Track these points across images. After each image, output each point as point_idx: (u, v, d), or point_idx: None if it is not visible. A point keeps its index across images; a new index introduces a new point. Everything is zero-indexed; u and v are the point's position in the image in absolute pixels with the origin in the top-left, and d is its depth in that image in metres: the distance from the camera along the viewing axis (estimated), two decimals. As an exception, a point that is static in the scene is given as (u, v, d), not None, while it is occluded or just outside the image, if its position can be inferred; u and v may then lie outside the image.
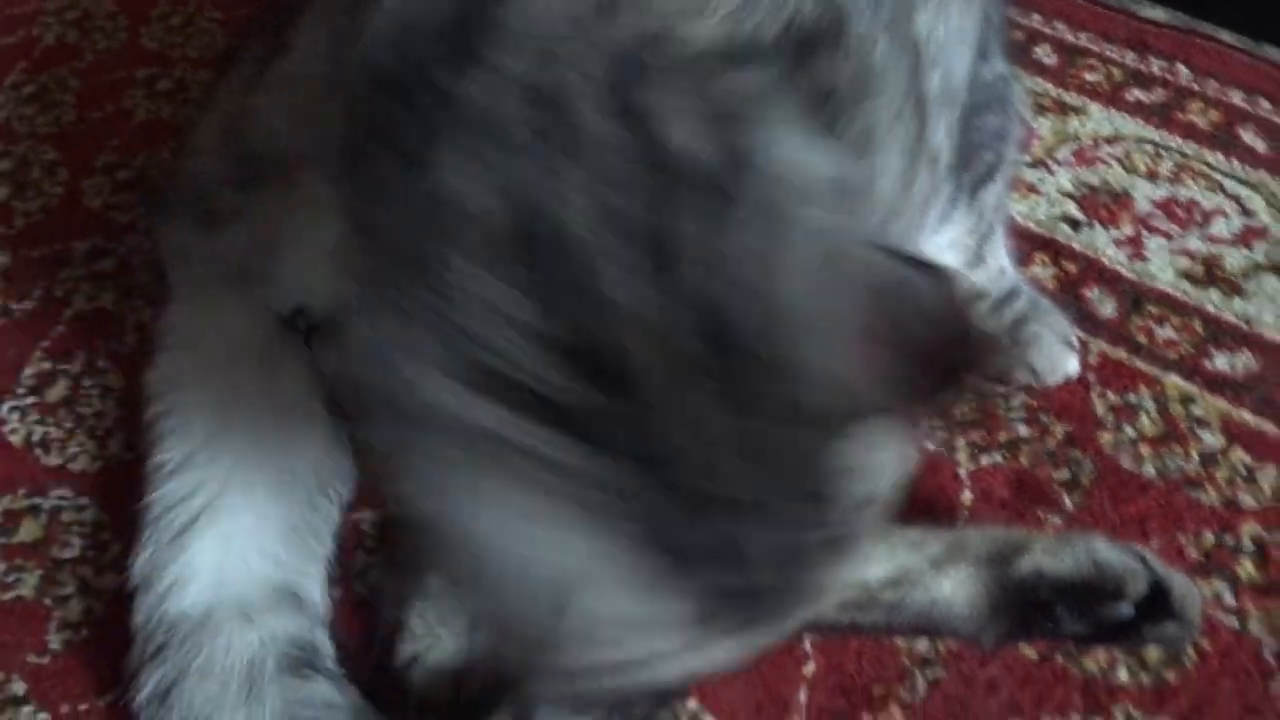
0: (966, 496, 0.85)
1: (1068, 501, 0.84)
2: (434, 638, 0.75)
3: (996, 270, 0.92)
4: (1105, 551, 0.74)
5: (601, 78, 0.47)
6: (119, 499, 0.84)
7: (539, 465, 0.44)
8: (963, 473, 0.86)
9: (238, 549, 0.77)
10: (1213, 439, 0.88)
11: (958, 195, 0.84)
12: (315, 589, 0.78)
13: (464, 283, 0.45)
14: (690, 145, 0.47)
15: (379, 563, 0.83)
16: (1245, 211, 1.06)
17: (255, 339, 0.83)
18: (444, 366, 0.44)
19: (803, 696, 0.74)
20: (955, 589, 0.75)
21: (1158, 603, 0.73)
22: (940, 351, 0.45)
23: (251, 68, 0.75)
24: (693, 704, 0.73)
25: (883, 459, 0.49)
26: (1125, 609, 0.73)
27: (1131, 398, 0.91)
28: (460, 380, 0.44)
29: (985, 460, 0.87)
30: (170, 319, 0.84)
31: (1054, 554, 0.75)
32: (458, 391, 0.44)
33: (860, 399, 0.45)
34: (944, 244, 0.90)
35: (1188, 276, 1.00)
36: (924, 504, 0.83)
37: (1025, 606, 0.74)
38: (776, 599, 0.49)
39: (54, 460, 0.90)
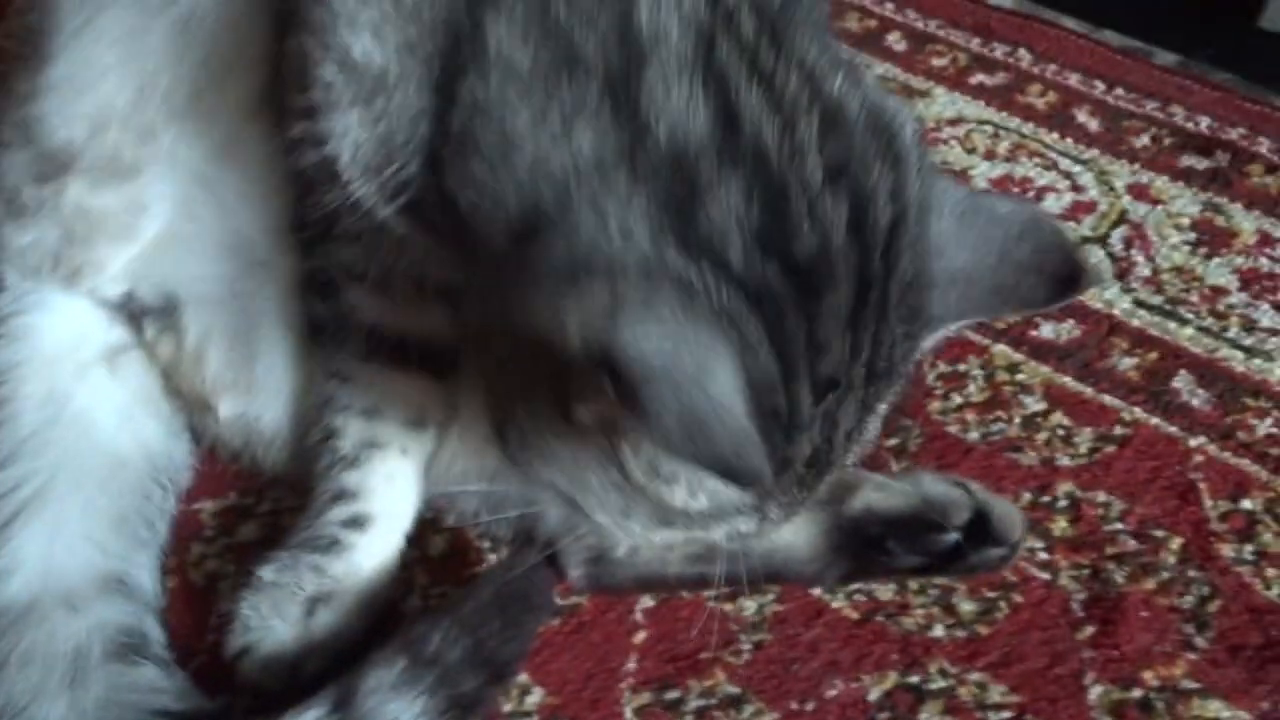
0: (799, 466, 0.87)
1: (895, 466, 0.87)
2: (267, 629, 0.75)
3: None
4: (931, 485, 0.78)
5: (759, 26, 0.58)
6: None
7: (718, 312, 0.52)
8: (795, 443, 0.88)
9: (64, 538, 0.76)
10: (1035, 403, 0.91)
11: None
12: (145, 577, 0.78)
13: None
14: (846, 97, 0.58)
15: (215, 552, 0.83)
16: (1076, 187, 1.10)
17: (87, 330, 0.83)
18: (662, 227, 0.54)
19: (632, 664, 0.76)
20: (795, 533, 0.77)
21: (981, 529, 0.76)
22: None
23: (27, 74, 0.76)
24: (522, 677, 0.75)
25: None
26: (951, 537, 0.76)
27: (961, 367, 0.94)
28: (671, 239, 0.53)
29: (817, 430, 0.89)
30: (1, 308, 0.83)
31: (883, 490, 0.78)
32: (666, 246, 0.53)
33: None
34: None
35: (1019, 250, 1.04)
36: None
37: (861, 544, 0.78)
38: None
39: (-114, 460, 0.88)
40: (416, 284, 0.75)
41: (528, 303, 0.55)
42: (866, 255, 0.56)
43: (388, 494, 0.78)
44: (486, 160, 0.57)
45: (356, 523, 0.77)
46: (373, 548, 0.77)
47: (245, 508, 0.85)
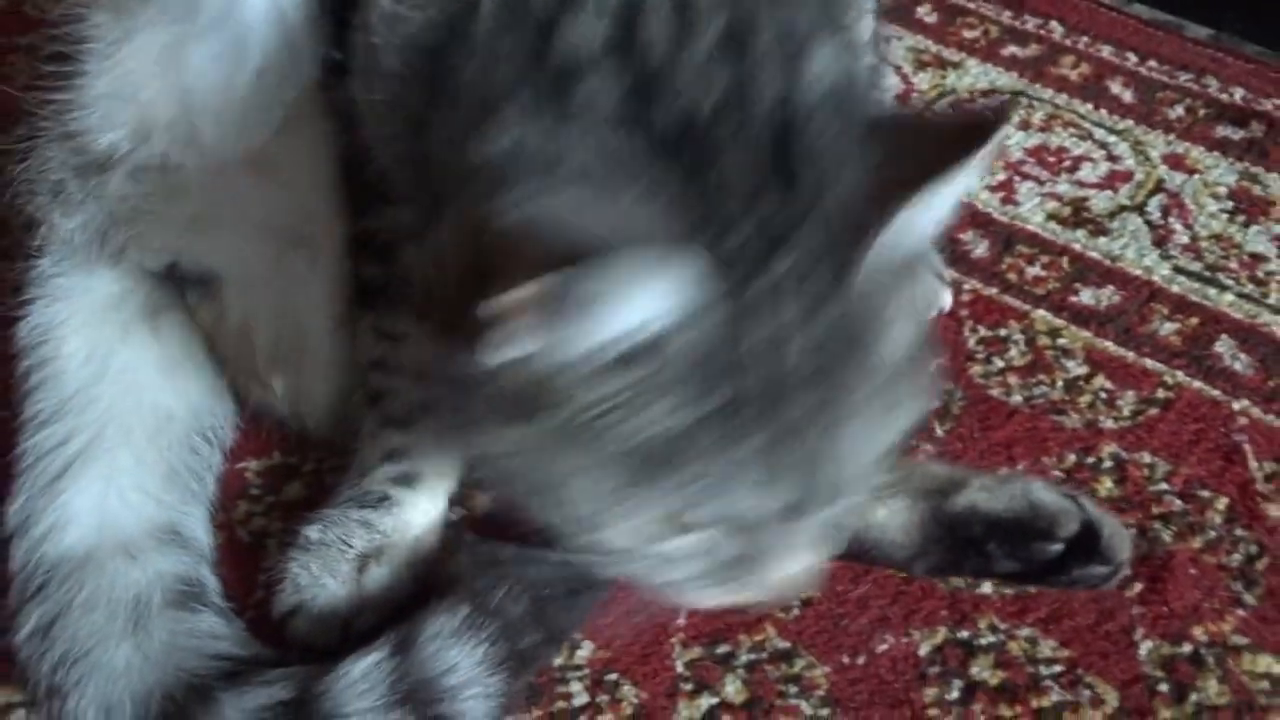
0: (842, 427, 0.87)
1: (938, 429, 0.87)
2: (319, 587, 0.75)
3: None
4: (1040, 492, 0.76)
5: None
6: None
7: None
8: (838, 405, 0.89)
9: (116, 490, 0.77)
10: (1077, 367, 0.91)
11: None
12: (199, 529, 0.79)
13: None
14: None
15: (262, 510, 0.83)
16: (1112, 157, 1.10)
17: (128, 289, 0.83)
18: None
19: (681, 619, 0.76)
20: (890, 516, 0.77)
21: (1087, 544, 0.75)
22: None
23: (65, 84, 0.77)
24: (573, 632, 0.75)
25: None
26: (1055, 548, 0.75)
27: (1002, 331, 0.94)
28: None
29: (861, 393, 0.89)
30: (41, 270, 0.84)
31: (991, 491, 0.76)
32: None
33: None
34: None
35: (1056, 218, 1.04)
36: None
37: (959, 541, 0.76)
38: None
39: (-70, 420, 0.88)
40: None
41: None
42: (747, 123, 0.55)
43: (436, 453, 0.78)
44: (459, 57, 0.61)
45: (406, 479, 0.77)
46: (421, 503, 0.77)
47: (290, 467, 0.85)
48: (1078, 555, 0.75)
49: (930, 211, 0.54)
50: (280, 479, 0.85)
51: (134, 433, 0.79)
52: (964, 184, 0.54)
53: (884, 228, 0.52)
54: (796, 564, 0.60)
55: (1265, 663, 0.73)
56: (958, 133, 0.53)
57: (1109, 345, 0.93)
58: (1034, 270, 0.99)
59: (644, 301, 0.49)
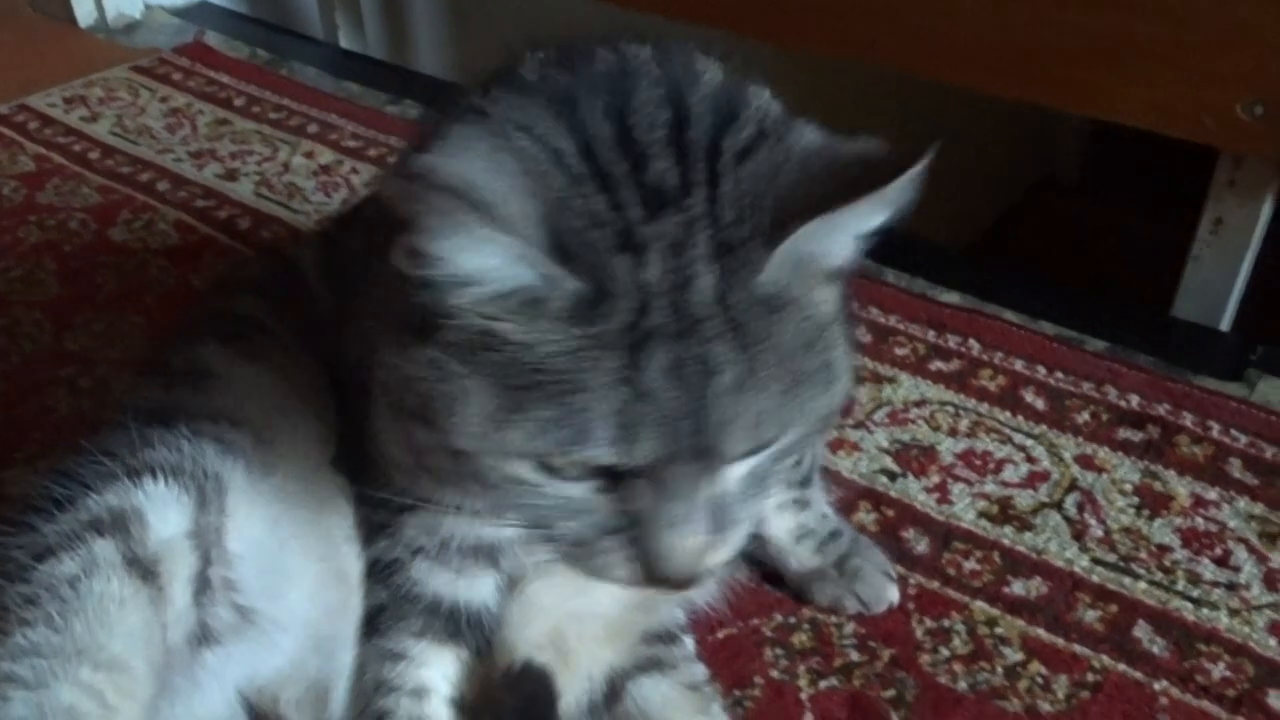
0: (809, 719, 0.97)
1: (895, 718, 0.97)
2: None
3: (820, 514, 1.09)
4: None
5: None
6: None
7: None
8: (804, 696, 0.99)
9: None
10: (1014, 654, 1.03)
11: None
12: None
13: None
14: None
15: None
16: (1030, 459, 1.25)
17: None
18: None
19: None
20: None
21: None
22: None
23: None
24: None
25: None
26: None
27: (945, 622, 1.06)
28: None
29: (824, 684, 1.00)
30: None
31: None
32: None
33: None
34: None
35: (986, 516, 1.18)
36: (771, 726, 0.94)
37: None
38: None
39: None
40: (472, 552, 0.88)
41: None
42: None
43: None
44: None
45: None
46: None
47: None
48: None
49: (834, 231, 0.62)
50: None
51: None
52: (868, 212, 0.61)
53: (793, 232, 0.60)
54: (683, 542, 0.62)
55: None
56: (870, 165, 0.62)
57: (1041, 633, 1.05)
58: (970, 564, 1.12)
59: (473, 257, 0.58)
